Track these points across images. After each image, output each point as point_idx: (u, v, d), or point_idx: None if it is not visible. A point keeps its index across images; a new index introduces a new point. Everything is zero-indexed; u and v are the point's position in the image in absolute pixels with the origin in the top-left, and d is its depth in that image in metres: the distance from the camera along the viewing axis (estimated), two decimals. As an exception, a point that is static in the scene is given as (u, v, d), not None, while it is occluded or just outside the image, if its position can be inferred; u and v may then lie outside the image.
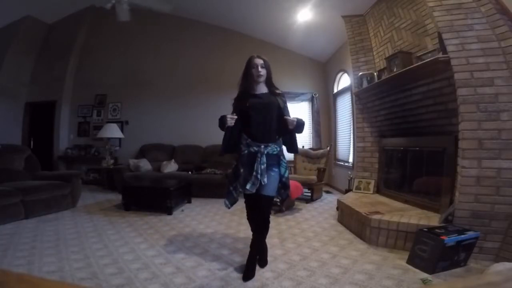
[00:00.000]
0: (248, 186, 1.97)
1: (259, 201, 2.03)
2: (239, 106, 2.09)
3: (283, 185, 2.12)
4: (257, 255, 2.12)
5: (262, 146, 2.01)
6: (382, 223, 2.58)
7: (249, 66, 2.09)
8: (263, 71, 2.07)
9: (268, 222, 2.13)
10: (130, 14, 3.85)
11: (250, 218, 2.16)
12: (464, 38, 2.33)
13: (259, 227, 2.10)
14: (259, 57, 2.10)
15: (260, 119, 2.03)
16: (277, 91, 2.13)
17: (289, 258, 2.35)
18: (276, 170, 2.06)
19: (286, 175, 2.11)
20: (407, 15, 3.19)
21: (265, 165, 1.99)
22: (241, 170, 2.03)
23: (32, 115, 6.38)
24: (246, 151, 2.04)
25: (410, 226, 2.45)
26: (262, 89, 2.13)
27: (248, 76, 2.10)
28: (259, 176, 1.96)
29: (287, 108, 2.15)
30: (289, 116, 2.09)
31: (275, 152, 2.06)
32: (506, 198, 2.15)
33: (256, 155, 2.00)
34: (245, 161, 2.03)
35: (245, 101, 2.06)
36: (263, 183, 1.98)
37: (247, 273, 2.00)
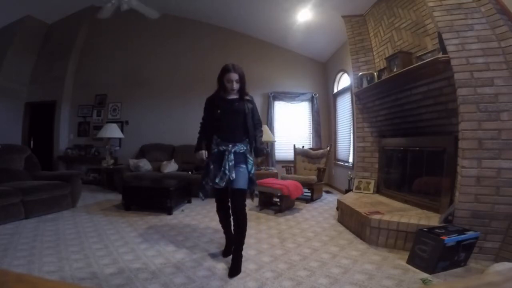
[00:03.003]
0: (217, 180, 2.15)
1: (232, 195, 2.19)
2: (210, 108, 2.28)
3: (250, 180, 2.27)
4: (240, 250, 2.17)
5: (230, 145, 2.19)
6: (382, 223, 2.58)
7: (224, 77, 2.17)
8: (236, 86, 2.19)
9: (244, 214, 2.18)
10: (130, 14, 3.85)
11: (220, 210, 2.38)
12: (464, 38, 2.33)
13: (236, 220, 2.17)
14: (235, 69, 2.16)
15: (228, 122, 2.22)
16: (246, 98, 2.27)
17: (289, 258, 2.35)
18: (244, 166, 2.23)
19: (252, 171, 2.28)
20: (407, 15, 3.18)
21: (232, 162, 2.17)
22: (211, 167, 2.22)
23: (32, 115, 6.38)
24: (216, 150, 2.23)
25: (410, 226, 2.45)
26: (233, 95, 2.27)
27: (222, 84, 2.21)
28: (226, 171, 2.13)
29: (255, 110, 2.34)
30: (257, 115, 2.35)
31: (241, 151, 2.23)
32: (506, 198, 2.15)
33: (224, 153, 2.18)
34: (215, 158, 2.23)
35: (216, 105, 2.23)
36: (231, 178, 2.14)
37: (231, 269, 2.08)
